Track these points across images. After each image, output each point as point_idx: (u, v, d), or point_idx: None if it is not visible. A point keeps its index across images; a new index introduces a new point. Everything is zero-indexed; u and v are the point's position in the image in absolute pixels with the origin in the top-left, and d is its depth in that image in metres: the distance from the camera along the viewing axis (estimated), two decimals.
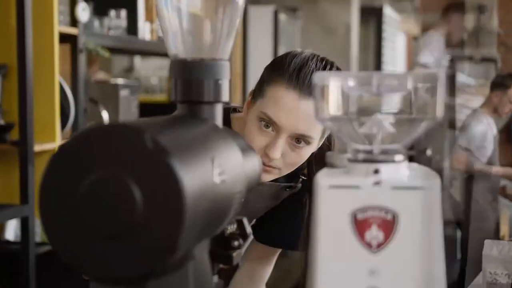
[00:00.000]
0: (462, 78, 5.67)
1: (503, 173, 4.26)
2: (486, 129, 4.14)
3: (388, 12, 7.46)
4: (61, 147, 0.63)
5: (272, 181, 1.33)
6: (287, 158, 1.26)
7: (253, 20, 4.87)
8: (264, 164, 1.25)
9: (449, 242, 4.06)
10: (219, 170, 0.70)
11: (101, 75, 3.88)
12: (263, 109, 1.24)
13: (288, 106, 1.22)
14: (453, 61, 4.74)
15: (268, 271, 1.58)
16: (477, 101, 4.95)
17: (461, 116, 4.66)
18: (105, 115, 2.97)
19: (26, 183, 2.32)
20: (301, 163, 1.30)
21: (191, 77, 0.81)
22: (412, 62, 4.46)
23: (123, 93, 3.09)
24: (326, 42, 5.33)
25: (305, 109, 1.22)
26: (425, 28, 9.89)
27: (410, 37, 9.69)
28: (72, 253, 0.62)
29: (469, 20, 9.18)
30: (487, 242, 1.98)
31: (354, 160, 0.72)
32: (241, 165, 0.78)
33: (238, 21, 0.85)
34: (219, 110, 0.83)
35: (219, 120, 0.82)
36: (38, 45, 2.45)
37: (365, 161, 0.71)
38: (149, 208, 0.60)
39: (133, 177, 0.61)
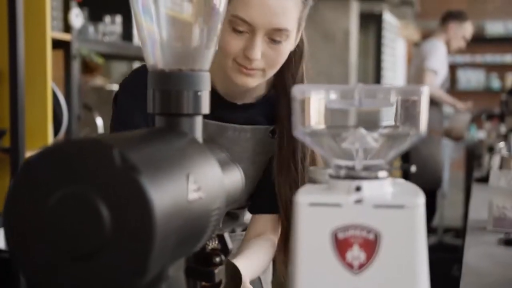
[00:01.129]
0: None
1: (452, 102, 4.53)
2: (444, 56, 4.35)
3: (388, 18, 7.44)
4: (29, 161, 0.61)
5: (255, 125, 1.35)
6: (268, 58, 1.23)
7: None
8: (246, 68, 1.23)
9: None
10: (195, 187, 0.67)
11: (98, 81, 3.86)
12: (233, 12, 1.20)
13: (257, 1, 1.19)
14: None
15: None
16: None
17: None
18: (100, 122, 2.94)
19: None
20: (283, 60, 1.27)
21: (170, 88, 0.78)
22: (417, 68, 4.46)
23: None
24: (325, 49, 5.31)
25: (276, 1, 1.19)
26: (425, 34, 9.90)
27: (410, 43, 9.67)
28: (35, 272, 0.59)
29: None
30: (493, 172, 1.89)
31: (336, 177, 0.69)
32: (220, 180, 0.75)
33: (219, 30, 0.82)
34: (198, 122, 0.80)
35: (198, 133, 0.80)
36: (31, 51, 2.42)
37: (346, 177, 0.68)
38: (117, 228, 0.58)
39: (100, 195, 0.58)
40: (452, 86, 10.14)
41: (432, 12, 10.11)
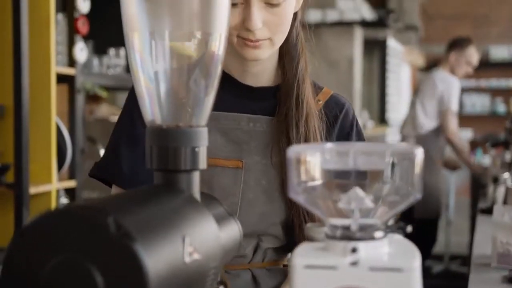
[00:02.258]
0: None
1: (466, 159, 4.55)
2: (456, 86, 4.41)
3: (392, 43, 7.47)
4: (24, 228, 0.61)
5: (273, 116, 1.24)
6: (270, 24, 1.15)
7: None
8: (251, 40, 1.15)
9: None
10: (191, 249, 0.67)
11: (104, 109, 3.88)
12: None
13: None
14: None
15: None
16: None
17: None
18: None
19: (21, 227, 2.28)
20: (289, 23, 1.18)
21: (167, 144, 0.79)
22: (439, 109, 4.42)
23: None
24: (329, 76, 5.33)
25: None
26: (430, 59, 9.93)
27: (415, 68, 9.69)
28: None
29: None
30: (496, 208, 1.87)
31: (332, 237, 0.69)
32: (217, 238, 0.75)
33: (216, 86, 0.82)
34: (196, 178, 0.80)
35: (195, 189, 0.80)
36: (35, 86, 2.44)
37: (342, 238, 0.68)
38: None
39: (95, 263, 0.58)
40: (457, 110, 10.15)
41: (437, 37, 10.16)
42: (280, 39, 1.18)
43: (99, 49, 3.01)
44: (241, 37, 1.16)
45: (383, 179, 0.70)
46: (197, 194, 0.80)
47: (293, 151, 0.69)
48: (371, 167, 0.69)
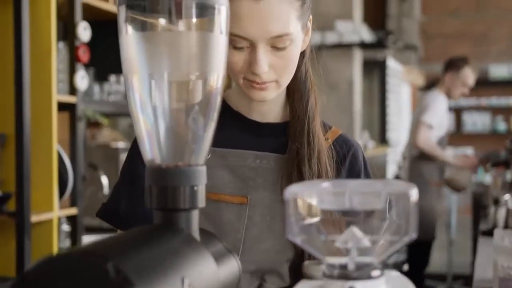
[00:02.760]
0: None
1: (446, 159, 4.41)
2: (444, 110, 4.36)
3: (392, 64, 7.50)
4: (24, 274, 0.62)
5: (280, 154, 1.24)
6: (276, 67, 1.15)
7: None
8: (257, 83, 1.16)
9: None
10: None
11: (106, 133, 3.89)
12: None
13: (248, 14, 1.11)
14: None
15: None
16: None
17: None
18: (105, 181, 2.95)
19: (23, 256, 2.29)
20: (295, 64, 1.18)
21: (167, 184, 0.80)
22: (415, 119, 4.49)
23: (123, 157, 3.09)
24: (329, 98, 5.34)
25: (267, 8, 1.11)
26: (429, 78, 9.97)
27: (415, 88, 9.73)
28: None
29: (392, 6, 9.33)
30: (497, 231, 1.87)
31: (329, 276, 0.70)
32: (216, 277, 0.76)
33: (214, 125, 0.84)
34: (195, 216, 0.81)
35: (195, 227, 0.81)
36: (37, 114, 2.46)
37: (340, 277, 0.69)
38: None
39: None
40: (458, 129, 10.20)
41: (436, 56, 10.21)
42: (286, 80, 1.19)
43: (100, 76, 3.04)
44: (247, 79, 1.16)
45: (379, 218, 0.71)
46: (196, 233, 0.81)
47: (290, 191, 0.70)
48: (367, 207, 0.70)
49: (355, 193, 0.69)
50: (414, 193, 0.68)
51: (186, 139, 0.82)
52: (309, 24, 1.23)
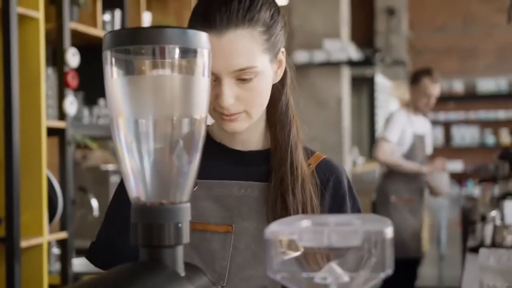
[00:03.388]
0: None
1: (412, 168, 4.29)
2: (405, 125, 4.28)
3: (380, 80, 7.57)
4: None
5: (264, 182, 1.25)
6: (243, 99, 1.17)
7: None
8: (225, 114, 1.18)
9: None
10: None
11: (97, 154, 3.90)
12: None
13: (212, 49, 1.12)
14: None
15: None
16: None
17: None
18: (95, 203, 2.97)
19: (13, 281, 2.30)
20: (265, 96, 1.20)
21: (151, 221, 0.82)
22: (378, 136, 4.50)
23: (114, 179, 3.11)
24: (318, 115, 5.39)
25: (230, 43, 1.14)
26: None
27: (404, 103, 9.80)
28: None
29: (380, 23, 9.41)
30: (482, 251, 1.88)
31: None
32: None
33: (198, 163, 0.86)
34: (180, 252, 0.83)
35: (179, 262, 0.83)
36: (26, 140, 2.48)
37: None
38: None
39: None
40: (447, 143, 10.28)
41: None
42: (257, 111, 1.21)
43: (89, 100, 3.06)
44: (217, 111, 1.19)
45: (357, 255, 0.73)
46: (181, 268, 0.83)
47: (270, 231, 0.73)
48: (345, 244, 0.72)
49: (333, 231, 0.72)
50: (389, 231, 0.71)
51: (170, 177, 0.85)
52: (281, 56, 1.25)
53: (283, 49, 1.25)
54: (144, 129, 0.83)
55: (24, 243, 2.41)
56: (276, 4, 1.22)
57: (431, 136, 4.61)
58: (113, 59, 0.83)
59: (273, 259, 0.73)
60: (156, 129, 0.83)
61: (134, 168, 0.84)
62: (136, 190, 0.85)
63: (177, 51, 0.82)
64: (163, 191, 0.84)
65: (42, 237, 2.51)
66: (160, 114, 0.83)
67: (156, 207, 0.83)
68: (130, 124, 0.83)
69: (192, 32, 0.83)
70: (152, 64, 0.91)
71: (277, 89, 1.27)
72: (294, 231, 0.73)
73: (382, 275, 0.72)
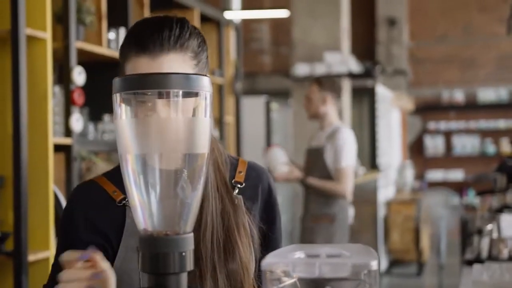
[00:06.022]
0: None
1: (320, 185, 3.91)
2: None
3: (381, 90, 7.63)
4: None
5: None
6: None
7: (247, 110, 5.02)
8: None
9: None
10: None
11: (101, 166, 3.95)
12: None
13: (144, 69, 1.19)
14: None
15: None
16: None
17: None
18: None
19: None
20: None
21: (158, 251, 0.90)
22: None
23: None
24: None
25: (162, 65, 1.19)
26: (419, 103, 10.10)
27: (405, 112, 9.87)
28: None
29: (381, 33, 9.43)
30: (476, 267, 1.94)
31: None
32: None
33: (200, 197, 0.93)
34: (184, 279, 0.91)
35: None
36: (34, 157, 2.55)
37: None
38: None
39: None
40: (447, 152, 10.34)
41: (425, 81, 10.37)
42: None
43: (94, 116, 3.14)
44: None
45: (347, 284, 0.80)
46: None
47: (265, 263, 0.80)
48: (335, 275, 0.79)
49: (324, 263, 0.79)
50: (375, 264, 0.78)
51: (175, 208, 0.92)
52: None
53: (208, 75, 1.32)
54: (150, 165, 0.90)
55: (31, 257, 2.48)
56: (202, 35, 1.28)
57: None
58: (122, 102, 0.90)
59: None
60: (161, 165, 0.90)
61: (141, 201, 0.91)
62: (143, 221, 0.92)
63: (180, 95, 0.89)
64: (168, 222, 0.92)
65: (48, 251, 2.58)
66: (165, 151, 0.90)
67: (162, 237, 0.90)
68: (137, 160, 0.91)
69: (194, 77, 0.90)
70: (158, 106, 0.99)
71: None
72: (288, 263, 0.80)
73: None
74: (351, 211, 4.20)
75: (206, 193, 1.26)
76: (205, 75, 1.27)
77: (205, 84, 0.91)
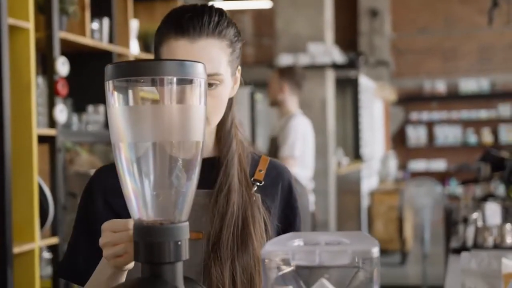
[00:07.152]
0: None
1: None
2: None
3: (364, 81, 7.64)
4: None
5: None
6: (207, 105, 1.18)
7: None
8: None
9: None
10: None
11: (84, 158, 3.92)
12: None
13: (184, 53, 1.21)
14: None
15: None
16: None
17: None
18: None
19: (5, 286, 2.34)
20: (224, 105, 1.26)
21: (152, 240, 0.88)
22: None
23: None
24: None
25: (201, 49, 1.21)
26: (401, 93, 10.14)
27: (388, 103, 9.90)
28: None
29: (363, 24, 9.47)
30: (464, 255, 1.95)
31: None
32: None
33: (195, 186, 0.92)
34: (179, 268, 0.89)
35: (179, 277, 0.89)
36: (17, 148, 2.51)
37: None
38: None
39: None
40: (430, 142, 10.40)
41: (407, 72, 10.41)
42: (215, 120, 1.26)
43: (78, 107, 3.10)
44: None
45: (347, 271, 0.80)
46: (180, 283, 0.89)
47: (265, 251, 0.79)
48: (335, 263, 0.78)
49: (324, 250, 0.78)
50: (376, 251, 0.77)
51: (169, 197, 0.91)
52: (238, 74, 1.32)
53: (240, 68, 1.32)
54: (144, 153, 0.89)
55: (16, 249, 2.45)
56: (237, 27, 1.30)
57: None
58: (115, 89, 0.88)
59: (268, 277, 0.79)
60: (155, 153, 0.89)
61: (135, 190, 0.90)
62: (137, 211, 0.91)
63: (174, 81, 0.88)
64: (163, 211, 0.90)
65: (33, 243, 2.55)
66: (159, 139, 0.89)
67: (157, 226, 0.89)
68: (130, 149, 0.89)
69: (188, 63, 0.89)
70: (151, 93, 0.97)
71: (227, 106, 1.31)
72: (288, 251, 0.79)
73: None
74: (311, 198, 4.16)
75: (233, 184, 1.26)
76: (238, 65, 1.29)
77: (200, 71, 0.90)
